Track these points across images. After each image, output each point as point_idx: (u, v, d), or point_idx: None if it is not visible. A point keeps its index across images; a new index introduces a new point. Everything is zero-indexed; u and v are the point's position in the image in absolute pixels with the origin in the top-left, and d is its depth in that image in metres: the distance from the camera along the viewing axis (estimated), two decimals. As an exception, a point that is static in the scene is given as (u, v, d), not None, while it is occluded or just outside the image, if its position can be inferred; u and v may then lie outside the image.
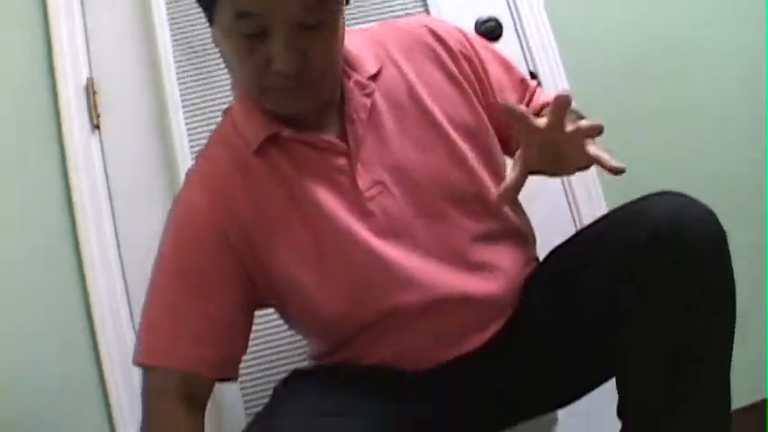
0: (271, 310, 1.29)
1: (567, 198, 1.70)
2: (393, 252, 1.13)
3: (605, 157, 0.95)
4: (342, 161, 1.16)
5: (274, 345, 1.58)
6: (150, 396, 1.12)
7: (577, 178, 1.67)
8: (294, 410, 1.08)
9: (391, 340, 1.16)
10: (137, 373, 1.50)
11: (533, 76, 1.84)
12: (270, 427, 1.06)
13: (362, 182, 1.15)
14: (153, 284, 1.17)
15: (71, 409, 1.44)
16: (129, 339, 1.57)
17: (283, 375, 1.25)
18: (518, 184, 1.02)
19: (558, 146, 1.00)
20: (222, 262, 1.14)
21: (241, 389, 1.54)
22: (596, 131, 0.96)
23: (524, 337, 1.18)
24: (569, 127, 0.96)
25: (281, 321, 1.35)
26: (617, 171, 0.93)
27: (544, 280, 1.22)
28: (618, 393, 1.12)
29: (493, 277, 1.18)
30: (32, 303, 1.35)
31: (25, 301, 1.33)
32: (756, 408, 1.76)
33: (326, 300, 1.14)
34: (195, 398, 1.12)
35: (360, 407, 1.10)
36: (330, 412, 1.07)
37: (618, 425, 1.13)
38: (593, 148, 0.97)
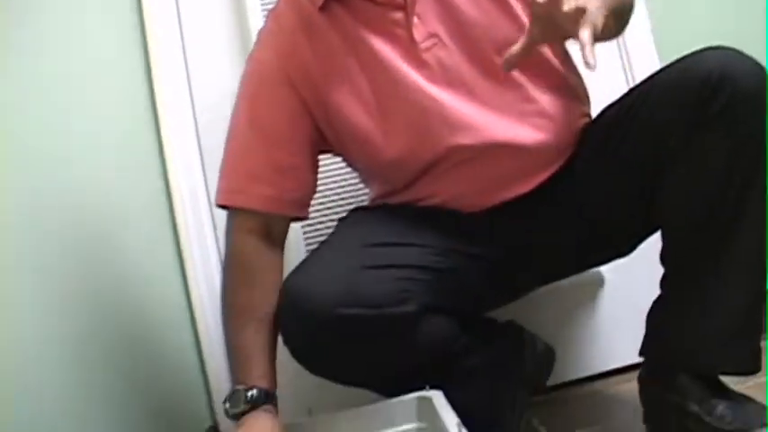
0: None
1: (623, 62, 1.72)
2: (448, 98, 1.21)
3: (587, 48, 0.93)
4: (399, 15, 1.23)
5: (335, 185, 1.68)
6: (232, 235, 1.25)
7: (632, 42, 1.69)
8: (354, 241, 1.21)
9: (446, 183, 1.26)
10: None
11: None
12: (334, 254, 1.19)
13: (418, 34, 1.22)
14: (230, 135, 1.29)
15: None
16: (203, 200, 1.67)
17: (343, 214, 1.38)
18: (522, 54, 1.05)
19: (557, 22, 1.00)
20: (292, 112, 1.25)
21: (302, 226, 1.64)
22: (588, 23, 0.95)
23: (575, 184, 1.26)
24: (565, 7, 0.96)
25: (343, 164, 1.47)
26: (587, 64, 0.93)
27: (596, 131, 1.28)
28: (662, 240, 1.21)
29: (544, 126, 1.24)
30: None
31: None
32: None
33: (386, 144, 1.24)
34: (273, 236, 1.25)
35: (417, 239, 1.21)
36: (389, 243, 1.20)
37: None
38: (586, 33, 0.94)
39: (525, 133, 1.23)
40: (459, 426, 0.89)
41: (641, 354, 1.25)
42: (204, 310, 1.63)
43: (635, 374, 1.30)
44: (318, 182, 1.33)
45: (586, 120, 1.32)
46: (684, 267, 1.16)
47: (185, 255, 1.64)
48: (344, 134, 1.27)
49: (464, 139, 1.21)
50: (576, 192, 1.25)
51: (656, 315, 1.24)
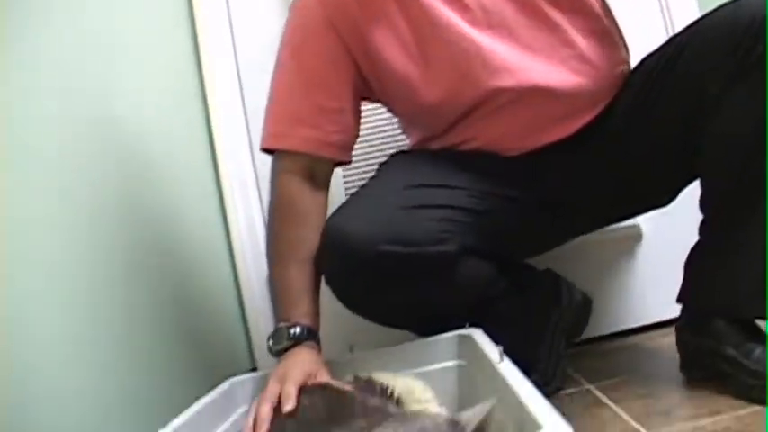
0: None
1: (662, 11, 1.70)
2: (488, 41, 1.22)
3: None
4: None
5: (376, 132, 1.71)
6: (277, 177, 1.28)
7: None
8: (395, 182, 1.23)
9: (485, 127, 1.27)
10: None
11: None
12: (375, 195, 1.21)
13: None
14: (274, 82, 1.31)
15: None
16: (244, 146, 1.72)
17: (384, 158, 1.40)
18: None
19: None
20: (335, 57, 1.27)
21: (343, 174, 1.69)
22: None
23: (614, 132, 1.26)
24: None
25: (384, 111, 1.49)
26: None
27: (636, 79, 1.28)
28: (701, 187, 1.20)
29: (583, 71, 1.24)
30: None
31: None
32: None
33: (427, 87, 1.25)
34: (317, 179, 1.28)
35: (457, 182, 1.23)
36: (429, 184, 1.22)
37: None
38: None
39: (564, 77, 1.23)
40: (501, 354, 0.90)
41: (679, 300, 1.26)
42: (244, 255, 1.68)
43: (672, 330, 1.30)
44: (360, 128, 1.34)
45: (625, 67, 1.32)
46: (723, 214, 1.16)
47: (227, 202, 1.69)
48: (386, 78, 1.28)
49: (504, 82, 1.22)
50: (614, 139, 1.26)
51: (694, 261, 1.24)
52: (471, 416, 0.71)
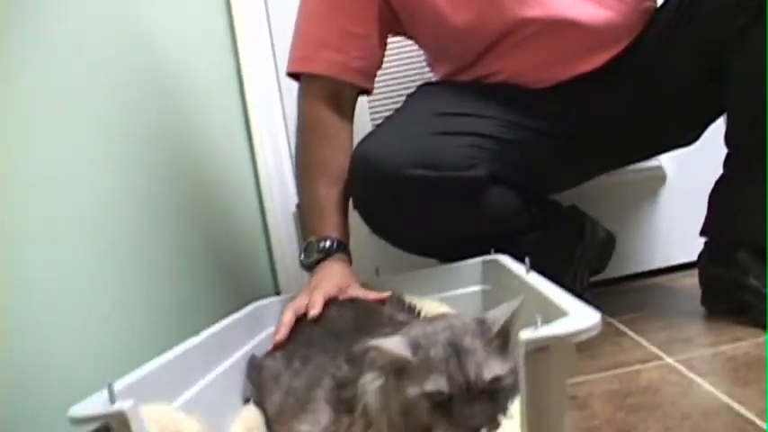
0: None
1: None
2: None
3: None
4: None
5: (402, 65, 1.71)
6: (304, 100, 1.30)
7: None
8: (423, 110, 1.24)
9: (512, 58, 1.27)
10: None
11: None
12: (403, 121, 1.22)
13: None
14: (301, 6, 1.32)
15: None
16: (269, 68, 1.73)
17: (410, 90, 1.40)
18: None
19: None
20: None
21: (369, 106, 1.70)
22: None
23: (641, 66, 1.26)
24: None
25: (411, 45, 1.49)
26: None
27: (663, 13, 1.27)
28: (726, 120, 1.21)
29: (611, 5, 1.25)
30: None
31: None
32: None
33: (455, 13, 1.25)
34: (342, 104, 1.29)
35: (484, 111, 1.24)
36: (457, 112, 1.23)
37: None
38: None
39: (592, 10, 1.23)
40: (528, 268, 0.91)
41: (702, 233, 1.26)
42: (270, 184, 1.71)
43: (694, 272, 1.31)
44: (385, 62, 1.35)
45: (652, 3, 1.31)
46: (748, 146, 1.16)
47: (254, 132, 1.72)
48: (414, 4, 1.28)
49: (532, 12, 1.22)
50: (641, 73, 1.26)
51: (719, 193, 1.25)
52: (498, 314, 0.72)
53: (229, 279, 1.46)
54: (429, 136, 1.17)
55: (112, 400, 0.59)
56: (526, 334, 0.54)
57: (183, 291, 1.22)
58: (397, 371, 0.71)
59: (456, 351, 0.69)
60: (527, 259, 0.91)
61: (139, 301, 1.06)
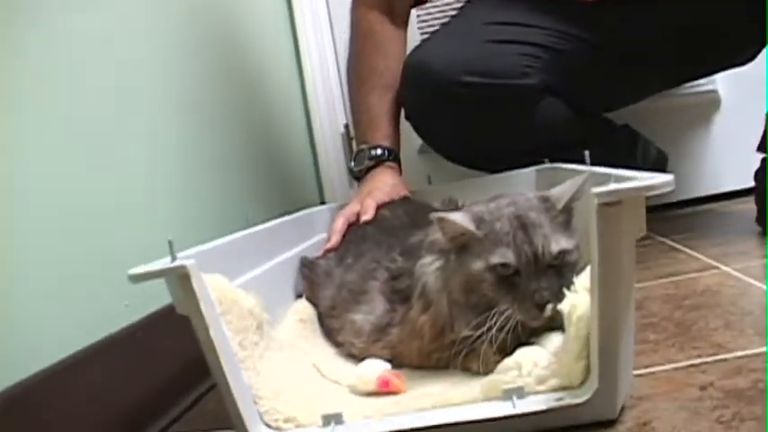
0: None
1: None
2: None
3: None
4: None
5: None
6: (357, 10, 1.28)
7: None
8: (476, 20, 1.22)
9: None
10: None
11: None
12: (456, 30, 1.20)
13: None
14: None
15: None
16: None
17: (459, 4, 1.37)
18: None
19: None
20: None
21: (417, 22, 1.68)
22: None
23: None
24: None
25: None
26: None
27: None
28: None
29: None
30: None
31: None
32: None
33: None
34: (395, 15, 1.27)
35: (536, 21, 1.21)
36: (510, 22, 1.20)
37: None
38: None
39: None
40: (587, 159, 0.88)
41: (759, 149, 1.23)
42: (317, 98, 1.72)
43: (748, 199, 1.29)
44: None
45: None
46: None
47: (302, 47, 1.73)
48: None
49: None
50: None
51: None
52: (562, 190, 0.71)
53: (278, 186, 1.46)
54: (483, 44, 1.15)
55: (173, 258, 0.59)
56: (598, 188, 0.53)
57: (232, 195, 1.22)
58: (460, 248, 0.70)
59: (522, 224, 0.67)
60: (586, 153, 0.88)
61: (193, 203, 1.06)
